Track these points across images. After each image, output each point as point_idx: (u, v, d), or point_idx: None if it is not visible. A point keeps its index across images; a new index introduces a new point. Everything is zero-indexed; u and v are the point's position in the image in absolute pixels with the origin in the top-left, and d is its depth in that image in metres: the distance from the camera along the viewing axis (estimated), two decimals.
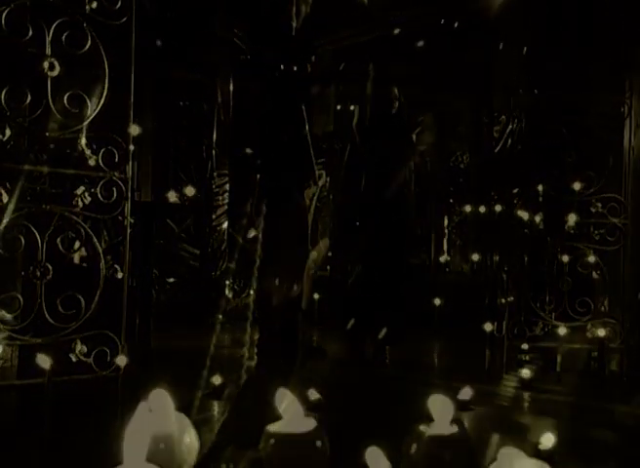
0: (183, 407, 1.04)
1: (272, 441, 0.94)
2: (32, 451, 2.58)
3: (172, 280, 7.12)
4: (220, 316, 6.98)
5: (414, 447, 0.96)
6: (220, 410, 3.31)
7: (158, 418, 0.96)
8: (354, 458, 0.97)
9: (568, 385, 3.90)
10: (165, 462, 0.86)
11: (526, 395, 3.75)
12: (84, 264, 4.52)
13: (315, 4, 7.22)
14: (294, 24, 7.43)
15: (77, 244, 3.23)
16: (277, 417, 0.98)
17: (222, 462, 0.94)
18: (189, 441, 0.94)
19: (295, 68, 4.83)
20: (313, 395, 3.19)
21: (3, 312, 2.75)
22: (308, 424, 0.96)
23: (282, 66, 4.87)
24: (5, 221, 2.77)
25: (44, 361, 2.61)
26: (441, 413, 0.99)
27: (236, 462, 0.95)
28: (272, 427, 0.96)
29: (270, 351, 4.63)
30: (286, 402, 1.01)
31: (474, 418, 3.20)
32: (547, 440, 2.47)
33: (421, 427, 1.00)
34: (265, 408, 1.06)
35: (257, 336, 4.85)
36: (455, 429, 0.97)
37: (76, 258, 4.39)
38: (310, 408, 3.03)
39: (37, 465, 2.46)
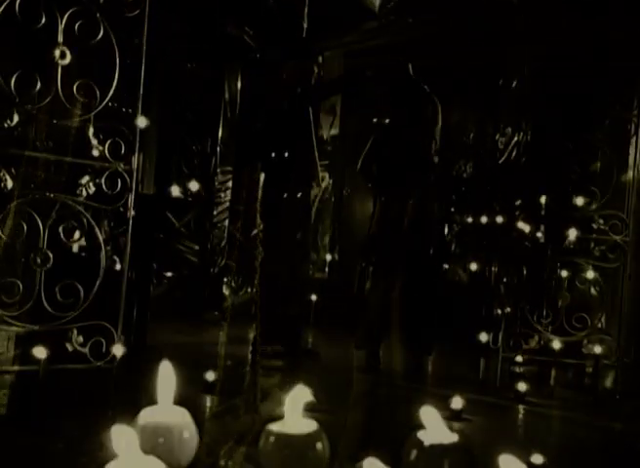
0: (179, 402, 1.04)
1: (272, 440, 0.93)
2: (23, 440, 2.57)
3: (169, 274, 7.11)
4: (217, 312, 6.98)
5: (413, 454, 0.96)
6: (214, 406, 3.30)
7: (158, 411, 0.96)
8: (353, 462, 0.97)
9: (560, 400, 3.90)
10: (164, 456, 0.85)
11: (520, 407, 3.74)
12: (82, 254, 4.53)
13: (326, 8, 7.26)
14: (304, 25, 7.48)
15: (77, 233, 3.22)
16: (278, 417, 0.98)
17: (221, 458, 0.94)
18: (189, 435, 0.94)
19: (301, 68, 4.83)
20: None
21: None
22: (309, 425, 0.96)
23: (288, 64, 4.87)
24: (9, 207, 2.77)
25: (40, 350, 2.61)
26: (432, 422, 0.99)
27: (234, 459, 0.95)
28: (273, 426, 0.96)
29: (266, 350, 4.63)
30: (287, 402, 1.01)
31: (466, 428, 3.20)
32: (537, 459, 2.47)
33: (419, 435, 0.99)
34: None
35: (252, 335, 4.85)
36: (455, 438, 0.96)
37: (75, 248, 4.39)
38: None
39: (27, 453, 2.45)
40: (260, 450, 0.93)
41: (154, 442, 0.91)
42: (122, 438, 0.80)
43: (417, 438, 0.96)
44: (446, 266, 7.23)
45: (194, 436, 0.94)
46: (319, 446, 0.94)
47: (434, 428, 0.96)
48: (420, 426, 1.00)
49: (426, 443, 0.96)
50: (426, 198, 4.73)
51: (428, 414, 0.99)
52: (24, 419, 2.69)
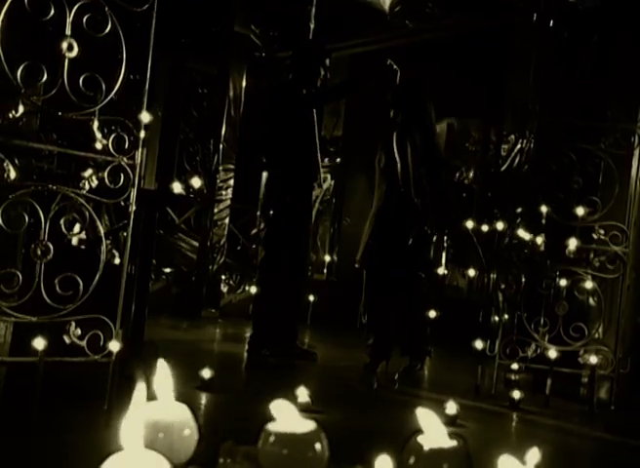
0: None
1: (271, 439, 0.93)
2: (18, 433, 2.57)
3: (168, 270, 7.11)
4: (214, 310, 6.98)
5: (412, 458, 0.96)
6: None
7: (159, 407, 0.96)
8: (353, 464, 0.97)
9: (555, 409, 3.90)
10: (163, 452, 0.85)
11: (514, 415, 3.75)
12: (82, 247, 4.53)
13: (333, 9, 7.26)
14: (311, 26, 7.48)
15: (78, 226, 3.22)
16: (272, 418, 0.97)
17: (220, 456, 0.94)
18: (189, 432, 0.93)
19: (308, 70, 4.83)
20: (302, 396, 3.18)
21: None
22: (308, 425, 0.96)
23: (296, 66, 4.87)
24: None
25: (39, 342, 2.61)
26: (431, 427, 0.99)
27: (234, 457, 0.95)
28: (272, 426, 0.96)
29: (262, 349, 4.64)
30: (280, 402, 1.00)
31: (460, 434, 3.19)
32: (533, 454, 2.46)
33: (418, 439, 0.99)
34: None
35: (249, 333, 4.85)
36: (454, 442, 0.96)
37: (74, 241, 4.39)
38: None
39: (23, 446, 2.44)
40: (259, 450, 0.93)
41: (154, 437, 0.90)
42: (128, 432, 0.80)
43: (416, 442, 0.96)
44: (445, 271, 7.24)
45: (194, 433, 0.94)
46: (318, 445, 0.94)
47: (434, 433, 0.95)
48: (419, 430, 1.00)
49: (426, 447, 0.95)
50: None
51: (427, 418, 0.99)
52: (20, 411, 2.69)
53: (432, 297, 5.07)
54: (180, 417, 0.94)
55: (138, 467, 0.78)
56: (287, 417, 0.98)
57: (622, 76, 4.44)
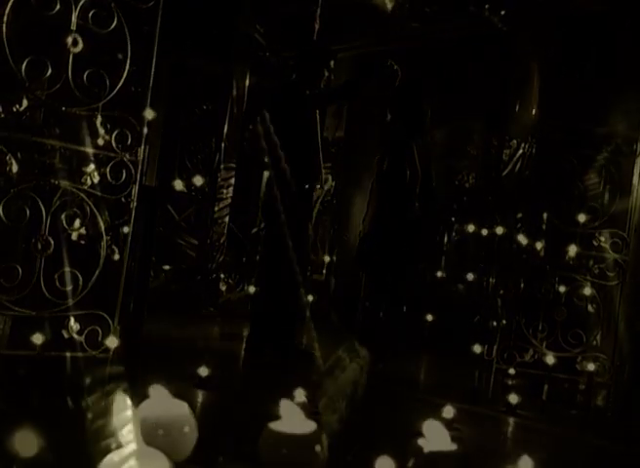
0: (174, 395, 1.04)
1: (272, 439, 0.93)
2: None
3: (167, 267, 7.10)
4: (212, 309, 6.98)
5: (411, 460, 0.96)
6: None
7: (159, 404, 0.96)
8: (353, 463, 0.97)
9: (552, 415, 3.90)
10: (163, 449, 0.85)
11: (510, 420, 3.74)
12: (82, 242, 4.52)
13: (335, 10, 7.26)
14: (316, 26, 7.48)
15: (78, 221, 3.22)
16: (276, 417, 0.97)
17: (220, 454, 0.95)
18: (189, 429, 0.94)
19: (312, 71, 4.83)
20: (300, 397, 3.17)
21: None
22: (309, 426, 0.96)
23: (300, 67, 4.87)
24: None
25: (37, 336, 2.60)
26: (435, 433, 0.99)
27: (233, 455, 0.95)
28: (272, 426, 0.96)
29: (260, 348, 4.63)
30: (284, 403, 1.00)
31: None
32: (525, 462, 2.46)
33: (419, 442, 0.99)
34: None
35: (247, 332, 4.85)
36: (454, 446, 0.97)
37: (74, 236, 4.38)
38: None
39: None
40: (260, 449, 0.93)
41: (154, 434, 0.90)
42: (126, 429, 0.80)
43: (416, 445, 0.96)
44: (443, 274, 7.23)
45: (194, 430, 0.94)
46: (318, 446, 0.94)
47: (436, 436, 0.96)
48: (419, 433, 1.00)
49: (426, 450, 0.96)
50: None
51: (431, 425, 1.00)
52: (18, 406, 2.69)
53: (424, 299, 5.09)
54: (179, 415, 0.94)
55: (138, 464, 0.78)
56: (289, 417, 0.98)
57: (625, 82, 4.44)
